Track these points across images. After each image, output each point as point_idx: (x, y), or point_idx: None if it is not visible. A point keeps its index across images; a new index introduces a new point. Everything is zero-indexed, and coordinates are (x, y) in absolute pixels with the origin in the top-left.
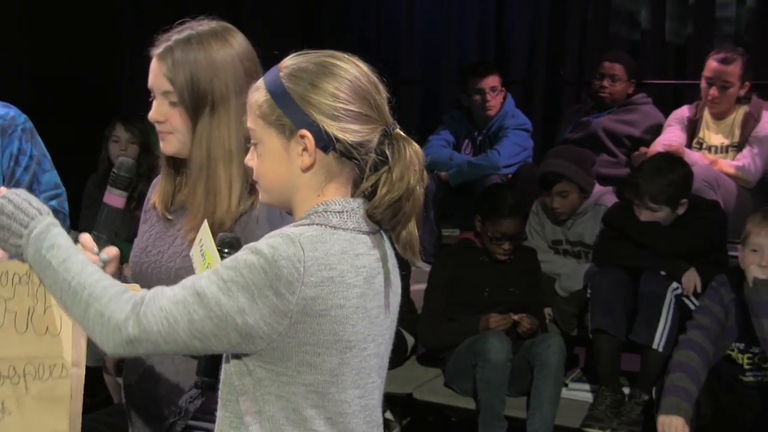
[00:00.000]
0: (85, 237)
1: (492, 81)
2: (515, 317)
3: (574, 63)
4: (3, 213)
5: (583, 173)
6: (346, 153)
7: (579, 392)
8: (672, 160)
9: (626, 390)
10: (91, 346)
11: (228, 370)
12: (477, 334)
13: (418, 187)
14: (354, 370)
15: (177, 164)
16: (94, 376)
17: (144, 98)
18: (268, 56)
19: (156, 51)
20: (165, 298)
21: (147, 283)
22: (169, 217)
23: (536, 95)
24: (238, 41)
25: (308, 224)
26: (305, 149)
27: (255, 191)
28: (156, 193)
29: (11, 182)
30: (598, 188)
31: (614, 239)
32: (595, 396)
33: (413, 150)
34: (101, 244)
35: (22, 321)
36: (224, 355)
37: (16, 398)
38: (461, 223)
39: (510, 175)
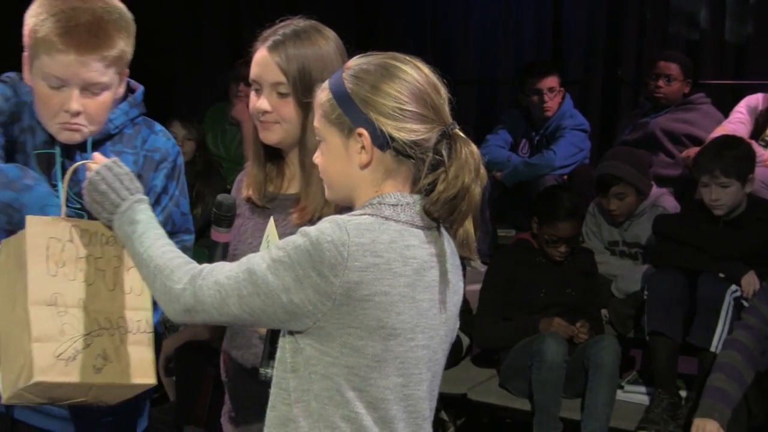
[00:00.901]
0: None
1: (550, 82)
2: (577, 326)
3: (632, 63)
4: (96, 191)
5: (640, 175)
6: (403, 151)
7: (635, 394)
8: (733, 138)
9: (683, 393)
10: None
11: (283, 347)
12: (536, 334)
13: (473, 186)
14: (398, 358)
15: (269, 154)
16: None
17: (198, 97)
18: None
19: (265, 44)
20: (221, 273)
21: None
22: (267, 206)
23: (593, 96)
24: (333, 37)
25: (360, 213)
26: (363, 147)
27: None
28: (246, 185)
29: None
30: (655, 189)
31: (673, 241)
32: (651, 399)
33: (469, 150)
34: None
35: (111, 279)
36: (281, 332)
37: (114, 347)
38: (517, 223)
39: (566, 176)
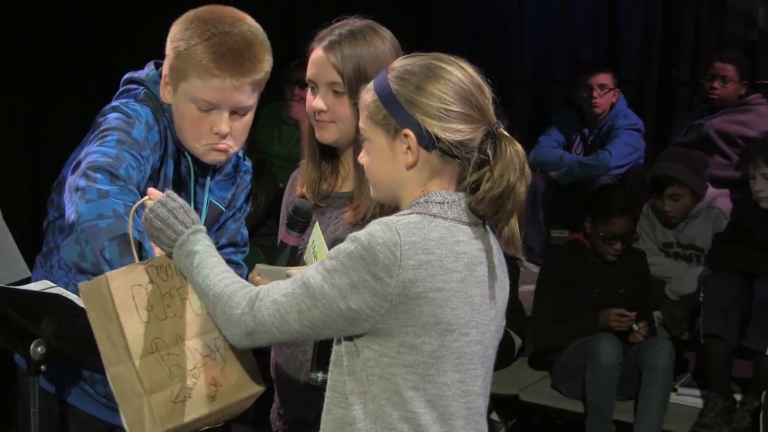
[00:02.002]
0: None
1: (601, 78)
2: (632, 316)
3: (688, 63)
4: (153, 227)
5: (695, 176)
6: (449, 151)
7: (689, 398)
8: None
9: (737, 397)
10: None
11: (339, 351)
12: (595, 332)
13: (518, 185)
14: (455, 354)
15: (324, 153)
16: None
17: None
18: None
19: (321, 44)
20: (277, 292)
21: None
22: (320, 205)
23: (649, 96)
24: (389, 36)
25: (409, 213)
26: (409, 148)
27: None
28: (300, 183)
29: (223, 226)
30: (711, 191)
31: (730, 243)
32: (705, 402)
33: (514, 149)
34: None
35: (196, 304)
36: (335, 337)
37: (220, 370)
38: (570, 223)
39: (620, 176)
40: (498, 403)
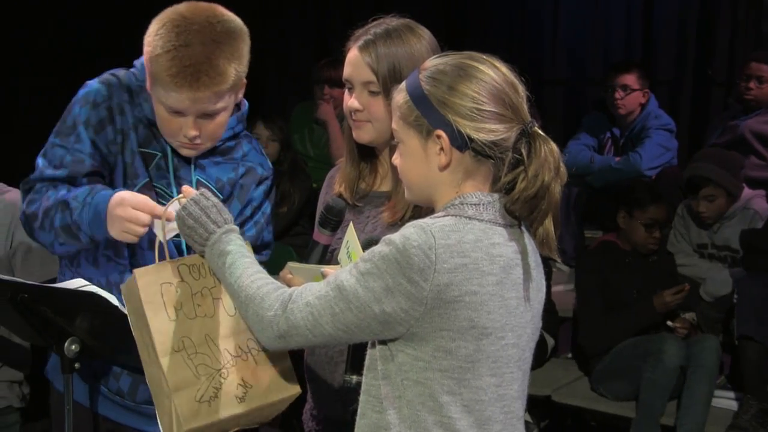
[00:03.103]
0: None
1: (625, 79)
2: (686, 288)
3: (724, 63)
4: (185, 225)
5: (731, 177)
6: (482, 152)
7: (723, 400)
8: None
9: None
10: None
11: (373, 355)
12: (654, 316)
13: (553, 185)
14: (491, 358)
15: (362, 152)
16: None
17: (288, 96)
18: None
19: (357, 44)
20: (310, 294)
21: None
22: (358, 204)
23: (684, 96)
24: (427, 35)
25: (443, 215)
26: (441, 149)
27: None
28: (339, 182)
29: (241, 229)
30: (746, 192)
31: (766, 243)
32: (739, 404)
33: (549, 148)
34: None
35: (228, 304)
36: (369, 341)
37: (251, 371)
38: (605, 224)
39: (653, 177)
40: (530, 404)
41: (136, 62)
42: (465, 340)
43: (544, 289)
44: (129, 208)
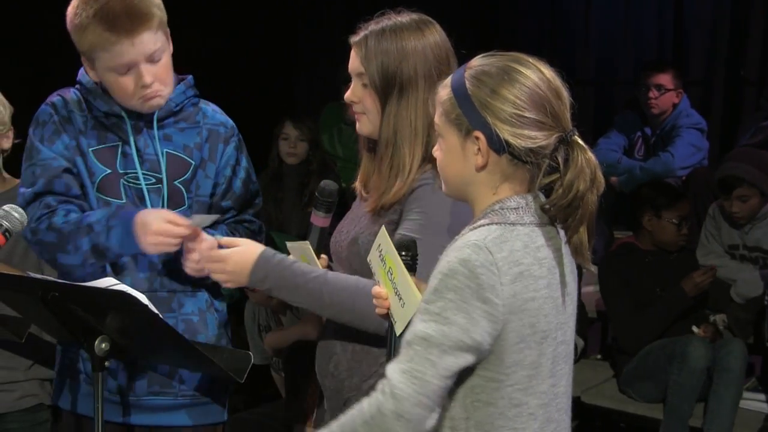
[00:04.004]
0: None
1: (659, 79)
2: (713, 266)
3: (756, 63)
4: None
5: (764, 176)
6: (519, 157)
7: (754, 402)
8: None
9: None
10: (257, 345)
11: None
12: (687, 301)
13: (588, 195)
14: (549, 359)
15: (373, 146)
16: (262, 373)
17: (318, 99)
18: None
19: (354, 39)
20: (400, 363)
21: (339, 258)
22: (365, 195)
23: (716, 96)
24: (432, 32)
25: (488, 224)
26: (479, 149)
27: (426, 163)
28: (358, 175)
29: (228, 192)
30: None
31: None
32: None
33: (586, 158)
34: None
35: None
36: None
37: None
38: (632, 224)
39: (684, 177)
40: None
41: (78, 77)
42: (530, 347)
43: (576, 275)
44: (159, 223)
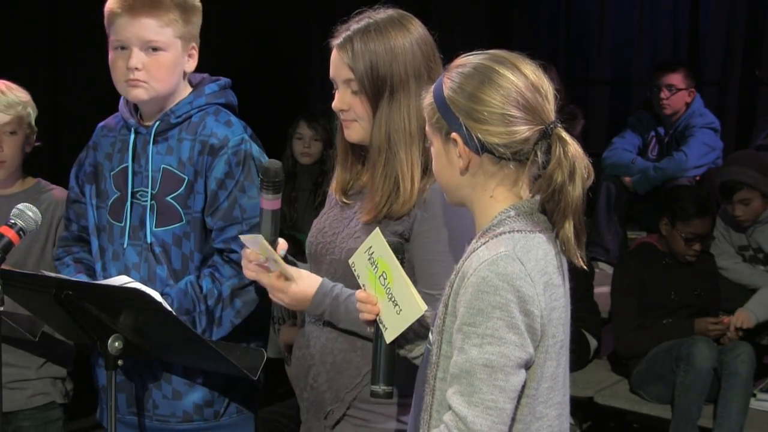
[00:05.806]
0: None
1: (671, 79)
2: (725, 321)
3: None
4: None
5: (765, 179)
6: (500, 154)
7: (767, 403)
8: None
9: None
10: (272, 339)
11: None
12: (692, 336)
13: (568, 188)
14: (563, 369)
15: (355, 151)
16: (276, 367)
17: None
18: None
19: (336, 42)
20: (465, 396)
21: (320, 261)
22: (347, 201)
23: (731, 96)
24: (416, 27)
25: (509, 232)
26: (460, 152)
27: (427, 174)
28: (333, 186)
29: (213, 206)
30: None
31: None
32: None
33: (565, 150)
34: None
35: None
36: (433, 382)
37: None
38: (647, 225)
39: (698, 177)
40: (573, 405)
41: None
42: (551, 358)
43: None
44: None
